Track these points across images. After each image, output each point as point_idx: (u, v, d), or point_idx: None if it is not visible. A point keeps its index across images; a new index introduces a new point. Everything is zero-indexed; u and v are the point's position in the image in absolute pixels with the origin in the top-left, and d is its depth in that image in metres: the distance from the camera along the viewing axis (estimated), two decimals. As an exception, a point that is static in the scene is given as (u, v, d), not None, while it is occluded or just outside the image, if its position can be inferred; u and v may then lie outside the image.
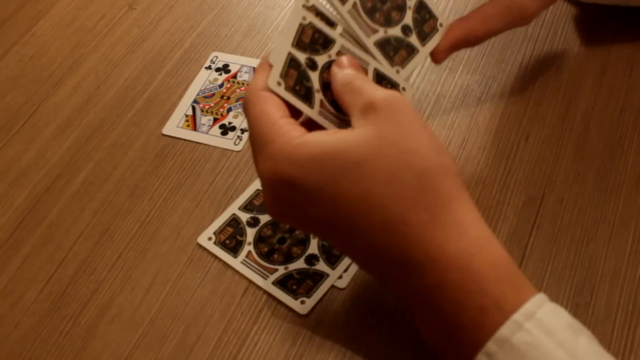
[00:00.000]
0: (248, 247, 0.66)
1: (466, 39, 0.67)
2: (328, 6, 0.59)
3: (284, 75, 0.55)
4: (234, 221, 0.68)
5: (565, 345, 0.45)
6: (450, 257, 0.48)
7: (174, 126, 0.76)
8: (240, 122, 0.75)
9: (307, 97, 0.56)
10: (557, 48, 0.79)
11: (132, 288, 0.65)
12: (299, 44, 0.56)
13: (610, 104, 0.73)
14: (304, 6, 0.56)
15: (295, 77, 0.55)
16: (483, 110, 0.74)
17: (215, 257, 0.66)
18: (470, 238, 0.49)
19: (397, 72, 0.63)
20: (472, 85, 0.76)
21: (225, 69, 0.80)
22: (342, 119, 0.57)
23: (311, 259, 0.64)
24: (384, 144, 0.50)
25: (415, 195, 0.49)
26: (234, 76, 0.79)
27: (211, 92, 0.78)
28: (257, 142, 0.53)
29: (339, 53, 0.58)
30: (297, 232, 0.66)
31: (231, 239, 0.66)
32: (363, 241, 0.50)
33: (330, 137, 0.51)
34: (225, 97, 0.77)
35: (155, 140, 0.76)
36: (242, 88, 0.78)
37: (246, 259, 0.65)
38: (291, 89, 0.55)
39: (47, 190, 0.73)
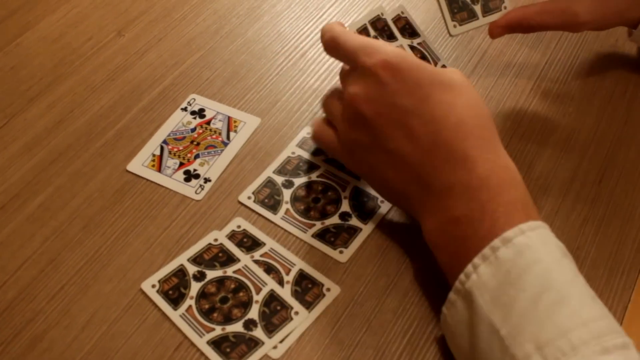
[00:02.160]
0: (189, 301, 0.65)
1: (520, 23, 0.78)
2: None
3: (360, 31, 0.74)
4: (180, 272, 0.67)
5: (553, 254, 0.57)
6: (496, 165, 0.60)
7: (139, 164, 0.76)
8: (205, 170, 0.75)
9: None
10: (529, 153, 0.79)
11: (68, 324, 0.65)
12: (372, 24, 0.75)
13: (573, 212, 0.73)
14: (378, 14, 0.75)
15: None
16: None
17: (156, 305, 0.65)
18: (506, 162, 0.62)
19: (454, 26, 0.79)
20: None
21: (200, 113, 0.80)
22: None
23: (249, 324, 0.64)
24: (468, 87, 0.64)
25: (482, 121, 0.63)
26: (208, 122, 0.79)
27: (182, 135, 0.78)
28: (361, 51, 0.65)
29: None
30: (241, 294, 0.65)
31: (175, 290, 0.66)
32: (433, 136, 0.61)
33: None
34: (195, 143, 0.77)
35: (119, 175, 0.75)
36: (214, 136, 0.78)
37: (185, 313, 0.65)
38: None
39: (1, 209, 0.72)
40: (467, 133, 0.61)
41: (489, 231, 0.57)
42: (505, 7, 0.80)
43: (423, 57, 0.75)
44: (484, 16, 0.80)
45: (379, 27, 0.74)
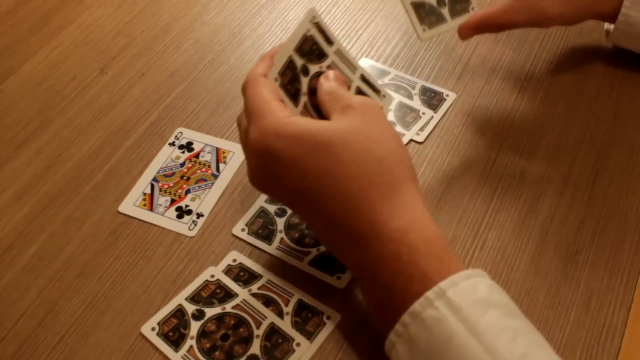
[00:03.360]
0: (190, 342, 0.65)
1: (487, 22, 0.79)
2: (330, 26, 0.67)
3: (281, 73, 0.62)
4: (179, 312, 0.67)
5: (467, 321, 0.52)
6: (391, 231, 0.57)
7: (131, 204, 0.75)
8: (197, 205, 0.74)
9: (295, 97, 0.64)
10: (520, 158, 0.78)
11: (70, 375, 0.64)
12: (299, 50, 0.64)
13: (570, 216, 0.72)
14: (310, 21, 0.64)
15: (290, 77, 0.63)
16: (441, 214, 0.73)
17: (157, 349, 0.65)
18: (411, 216, 0.58)
19: (424, 30, 0.77)
20: (434, 185, 0.75)
21: (188, 146, 0.80)
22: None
23: (252, 360, 0.63)
24: (354, 132, 0.59)
25: (373, 176, 0.58)
26: (197, 155, 0.79)
27: (172, 171, 0.77)
28: (250, 117, 0.61)
29: (329, 67, 0.66)
30: (241, 329, 0.65)
31: (174, 331, 0.66)
32: (325, 211, 0.59)
33: (312, 121, 0.60)
34: (185, 178, 0.77)
35: (111, 217, 0.75)
36: (203, 169, 0.77)
37: (187, 354, 0.64)
38: (284, 87, 0.63)
39: (-5, 262, 0.72)
40: (360, 200, 0.58)
41: (402, 297, 0.56)
42: (473, 9, 0.81)
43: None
44: (452, 19, 0.80)
45: (306, 49, 0.65)
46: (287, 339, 0.65)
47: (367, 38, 0.92)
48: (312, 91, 0.65)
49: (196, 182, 0.77)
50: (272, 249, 0.71)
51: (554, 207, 0.73)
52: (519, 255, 0.70)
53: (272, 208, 0.74)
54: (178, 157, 0.79)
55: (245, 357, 0.64)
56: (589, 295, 0.67)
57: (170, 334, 0.66)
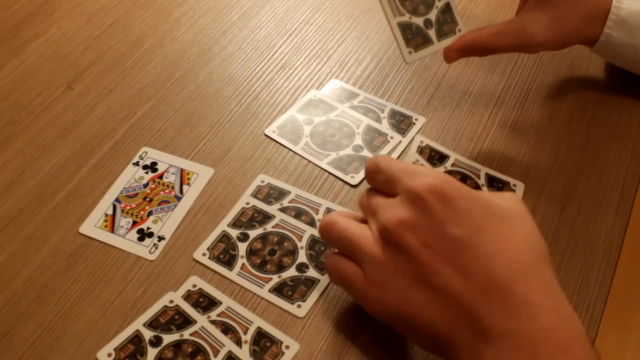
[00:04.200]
0: (147, 369, 0.63)
1: (475, 45, 0.77)
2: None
3: None
4: (136, 338, 0.66)
5: None
6: (561, 313, 0.52)
7: (92, 225, 0.74)
8: (159, 228, 0.73)
9: None
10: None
11: (23, 402, 0.63)
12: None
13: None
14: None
15: None
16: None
17: (112, 376, 0.63)
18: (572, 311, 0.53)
19: (410, 53, 0.77)
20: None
21: (152, 167, 0.79)
22: None
23: (208, 390, 0.62)
24: (525, 217, 0.57)
25: (541, 259, 0.55)
26: (160, 176, 0.78)
27: (135, 192, 0.76)
28: (407, 172, 0.58)
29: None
30: (198, 358, 0.64)
31: (131, 357, 0.65)
32: (489, 273, 0.53)
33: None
34: (147, 199, 0.76)
35: (71, 238, 0.74)
36: (166, 191, 0.76)
37: (143, 382, 0.63)
38: None
39: (-48, 282, 0.71)
40: (527, 273, 0.53)
41: None
42: (459, 30, 0.80)
43: (463, 179, 0.72)
44: (438, 41, 0.79)
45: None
46: (245, 368, 0.63)
47: (338, 58, 0.91)
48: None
49: (159, 204, 0.75)
50: (232, 274, 0.70)
51: (520, 237, 0.72)
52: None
53: (234, 232, 0.73)
54: (142, 178, 0.78)
55: (201, 386, 0.62)
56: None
57: (127, 360, 0.64)
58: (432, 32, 0.79)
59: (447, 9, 0.79)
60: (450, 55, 0.78)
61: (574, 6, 0.77)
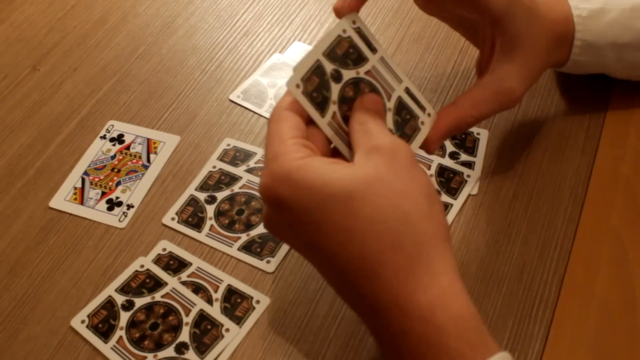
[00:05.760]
0: (120, 332, 0.64)
1: (457, 125, 0.66)
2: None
3: (306, 79, 0.55)
4: (109, 304, 0.66)
5: None
6: (415, 307, 0.49)
7: (62, 199, 0.74)
8: (128, 197, 0.74)
9: (321, 106, 0.56)
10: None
11: (0, 372, 0.63)
12: (330, 54, 0.57)
13: (502, 189, 0.72)
14: (349, 25, 0.58)
15: (316, 84, 0.55)
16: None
17: (86, 341, 0.65)
18: (439, 289, 0.49)
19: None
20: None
21: (119, 139, 0.79)
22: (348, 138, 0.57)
23: (181, 347, 0.63)
24: (377, 183, 0.51)
25: (396, 236, 0.50)
26: (127, 147, 0.78)
27: (102, 164, 0.77)
28: (265, 158, 0.54)
29: (368, 72, 0.59)
30: (170, 318, 0.64)
31: (104, 322, 0.65)
32: (341, 272, 0.51)
33: (329, 165, 0.52)
34: (115, 170, 0.76)
35: (42, 213, 0.74)
36: (134, 161, 0.76)
37: (116, 345, 0.64)
38: (308, 94, 0.55)
39: None
40: (380, 264, 0.50)
41: None
42: (422, 123, 0.64)
43: (373, 90, 0.60)
44: (410, 144, 0.63)
45: (339, 53, 0.58)
46: (216, 325, 0.64)
47: (300, 22, 0.91)
48: (344, 100, 0.57)
49: (127, 174, 0.76)
50: (201, 236, 0.70)
51: (487, 182, 0.72)
52: (452, 231, 0.69)
53: (202, 196, 0.73)
54: (109, 150, 0.78)
55: (174, 345, 0.63)
56: (521, 268, 0.67)
57: (100, 325, 0.65)
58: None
59: (401, 106, 0.63)
60: (431, 147, 0.65)
61: (538, 41, 0.68)
